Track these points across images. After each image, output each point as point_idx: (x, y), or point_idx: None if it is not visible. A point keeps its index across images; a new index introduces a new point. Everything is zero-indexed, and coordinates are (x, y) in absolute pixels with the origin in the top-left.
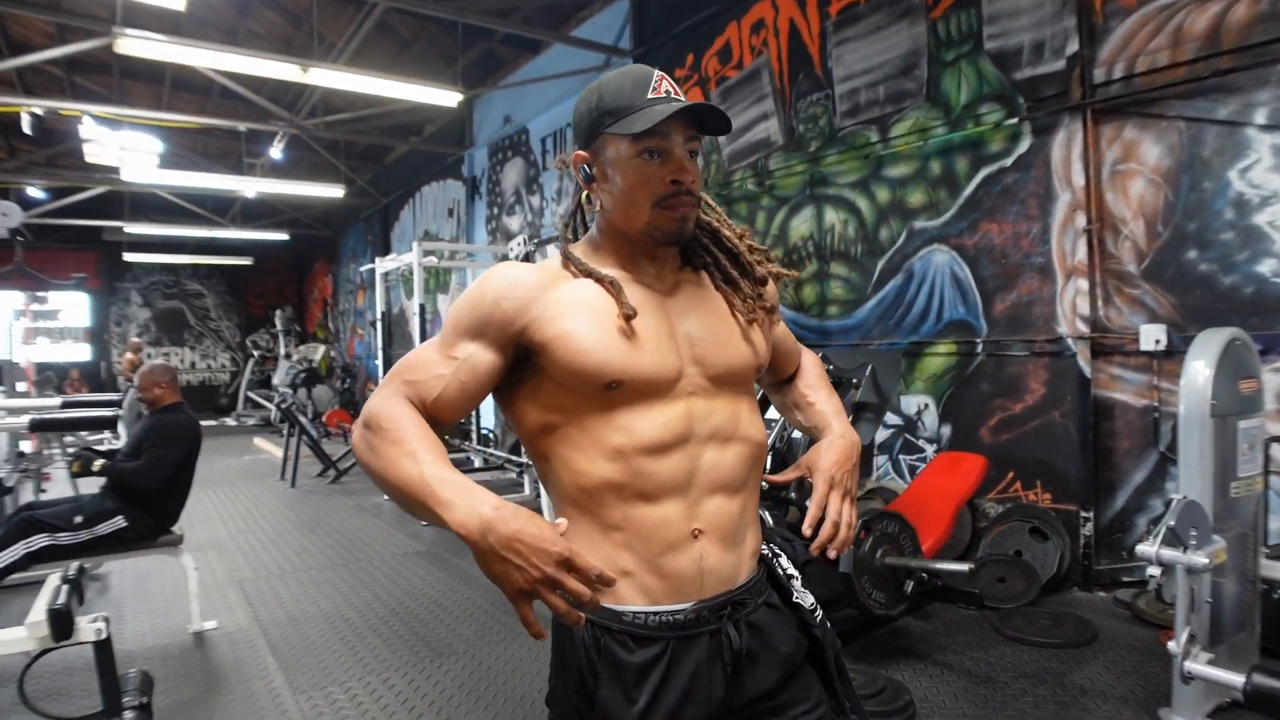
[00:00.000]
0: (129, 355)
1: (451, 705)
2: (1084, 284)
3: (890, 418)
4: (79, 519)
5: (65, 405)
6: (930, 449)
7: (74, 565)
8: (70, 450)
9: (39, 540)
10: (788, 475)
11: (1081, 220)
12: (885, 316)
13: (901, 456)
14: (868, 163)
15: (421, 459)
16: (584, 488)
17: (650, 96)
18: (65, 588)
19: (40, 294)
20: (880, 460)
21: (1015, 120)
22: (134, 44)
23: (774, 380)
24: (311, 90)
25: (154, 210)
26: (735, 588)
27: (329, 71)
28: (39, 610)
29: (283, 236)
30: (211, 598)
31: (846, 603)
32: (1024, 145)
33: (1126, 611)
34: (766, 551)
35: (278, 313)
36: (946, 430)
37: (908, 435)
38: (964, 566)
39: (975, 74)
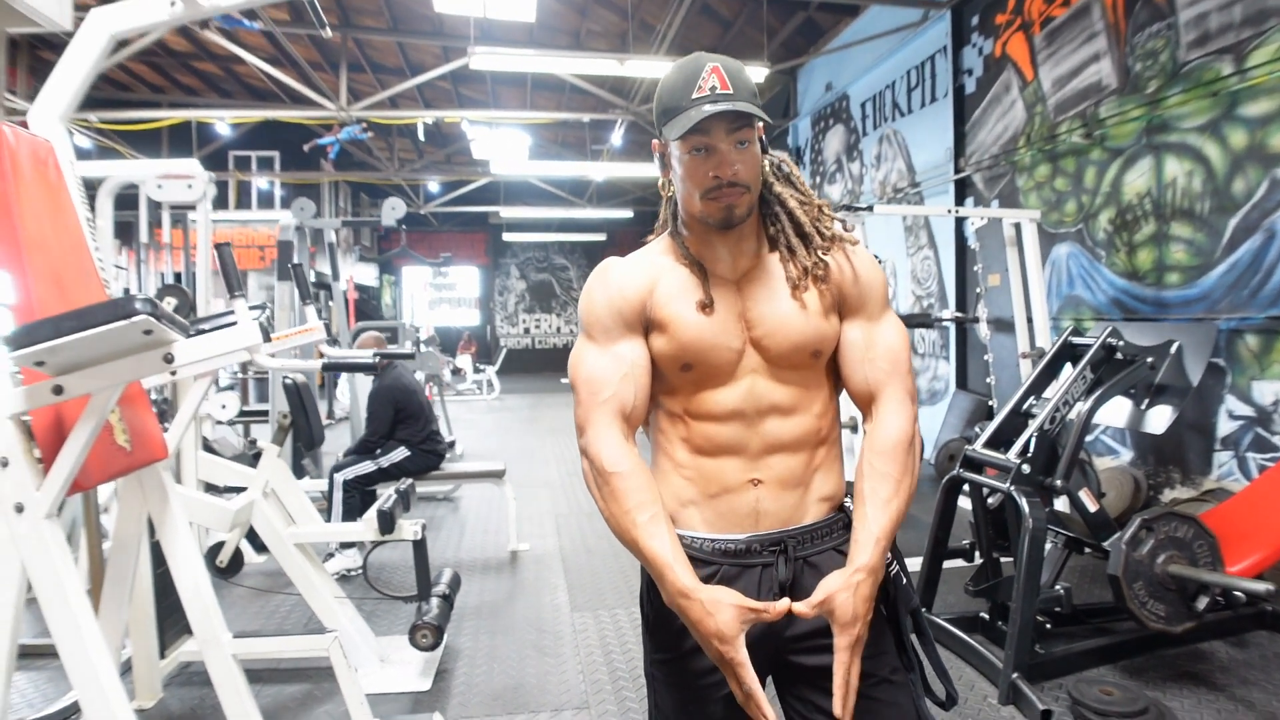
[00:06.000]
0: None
1: None
2: None
3: (1239, 407)
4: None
5: (377, 356)
6: None
7: (406, 482)
8: None
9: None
10: (806, 611)
11: None
12: (1237, 285)
13: (1250, 454)
14: (1218, 101)
15: (638, 522)
16: (660, 440)
17: (694, 96)
18: (395, 497)
19: (442, 269)
20: (1224, 457)
21: None
22: (481, 60)
23: (847, 389)
24: (642, 79)
25: (526, 195)
26: (793, 527)
27: (640, 61)
28: (372, 511)
29: (628, 214)
30: (530, 525)
31: (1120, 610)
32: None
33: None
34: (850, 503)
35: None
36: None
37: (1260, 429)
38: (1262, 586)
39: None
